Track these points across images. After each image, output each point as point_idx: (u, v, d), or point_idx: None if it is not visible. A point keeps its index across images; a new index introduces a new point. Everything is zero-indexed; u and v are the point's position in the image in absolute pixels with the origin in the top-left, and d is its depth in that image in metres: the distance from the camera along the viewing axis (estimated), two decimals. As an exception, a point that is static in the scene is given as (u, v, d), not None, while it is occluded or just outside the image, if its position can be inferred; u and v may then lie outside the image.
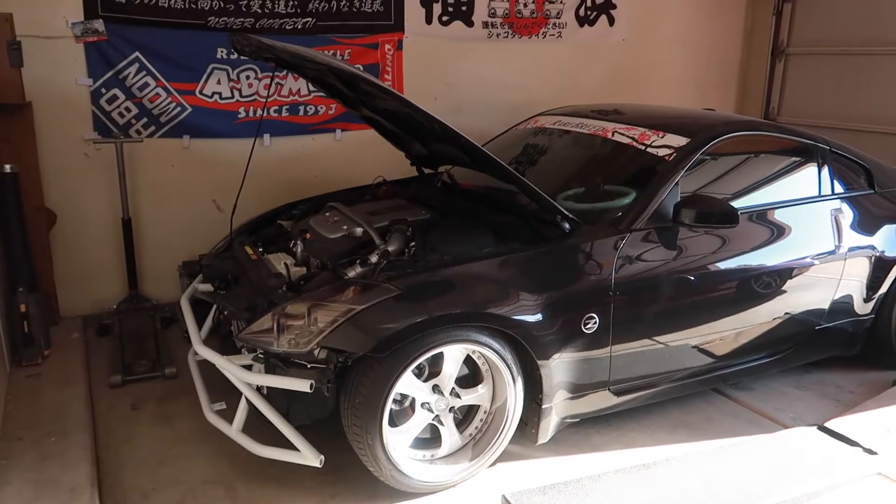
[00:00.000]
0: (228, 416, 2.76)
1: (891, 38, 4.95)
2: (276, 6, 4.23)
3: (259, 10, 4.20)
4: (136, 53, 4.02)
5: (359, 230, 3.03)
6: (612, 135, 3.40)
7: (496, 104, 4.95)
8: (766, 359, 3.37)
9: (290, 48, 2.79)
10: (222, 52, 4.20)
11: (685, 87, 5.84)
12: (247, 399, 2.63)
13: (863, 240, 3.46)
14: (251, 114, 4.34)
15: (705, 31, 5.85)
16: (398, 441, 2.59)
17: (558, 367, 2.73)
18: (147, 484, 2.69)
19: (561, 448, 2.96)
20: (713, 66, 5.99)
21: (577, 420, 2.93)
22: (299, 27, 4.33)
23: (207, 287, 3.20)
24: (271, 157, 4.48)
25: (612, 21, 5.40)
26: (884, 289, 3.52)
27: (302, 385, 2.42)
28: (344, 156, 4.67)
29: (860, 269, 3.47)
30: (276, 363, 2.52)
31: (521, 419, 2.80)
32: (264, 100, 4.28)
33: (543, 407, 2.76)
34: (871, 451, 2.90)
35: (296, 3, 4.26)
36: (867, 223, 3.49)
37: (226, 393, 2.96)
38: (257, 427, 2.65)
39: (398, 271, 2.67)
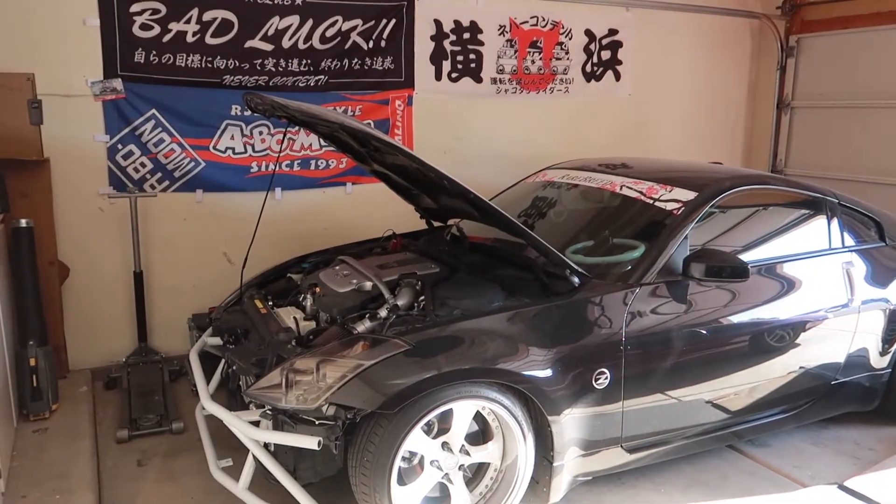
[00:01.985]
0: (235, 473, 2.73)
1: (886, 92, 5.01)
2: (290, 65, 4.35)
3: (273, 69, 4.31)
4: (153, 110, 4.12)
5: (368, 284, 3.04)
6: (621, 188, 3.42)
7: (505, 158, 5.02)
8: (781, 414, 3.30)
9: (303, 107, 2.85)
10: (236, 108, 4.30)
11: (692, 140, 5.90)
12: (254, 456, 2.60)
13: (876, 292, 3.44)
14: (263, 168, 4.41)
15: (711, 86, 5.94)
16: (407, 499, 2.54)
17: (570, 424, 2.69)
18: (151, 544, 2.64)
19: (573, 507, 2.89)
20: (720, 119, 6.07)
21: (590, 478, 2.87)
22: (312, 84, 4.43)
23: (217, 341, 3.20)
24: (283, 210, 4.53)
25: (618, 76, 5.51)
26: (900, 343, 3.48)
27: (310, 442, 2.39)
28: (354, 209, 4.72)
29: (875, 323, 3.43)
30: (284, 419, 2.49)
31: (532, 477, 2.75)
32: (276, 155, 4.36)
33: (555, 465, 2.70)
34: (893, 512, 2.82)
35: (309, 62, 4.38)
36: (880, 276, 3.47)
37: (233, 449, 2.92)
38: (264, 485, 2.61)
39: (407, 326, 2.67)
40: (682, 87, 5.82)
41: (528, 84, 5.16)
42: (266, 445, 2.59)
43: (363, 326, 2.80)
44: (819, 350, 3.30)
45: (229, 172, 4.36)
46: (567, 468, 2.75)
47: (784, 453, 3.36)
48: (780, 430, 3.39)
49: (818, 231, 3.45)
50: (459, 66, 4.91)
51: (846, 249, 3.44)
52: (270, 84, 4.33)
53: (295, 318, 3.00)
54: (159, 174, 4.22)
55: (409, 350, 2.47)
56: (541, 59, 5.15)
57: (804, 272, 3.30)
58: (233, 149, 4.36)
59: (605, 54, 5.41)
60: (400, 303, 2.89)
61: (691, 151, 5.77)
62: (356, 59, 4.53)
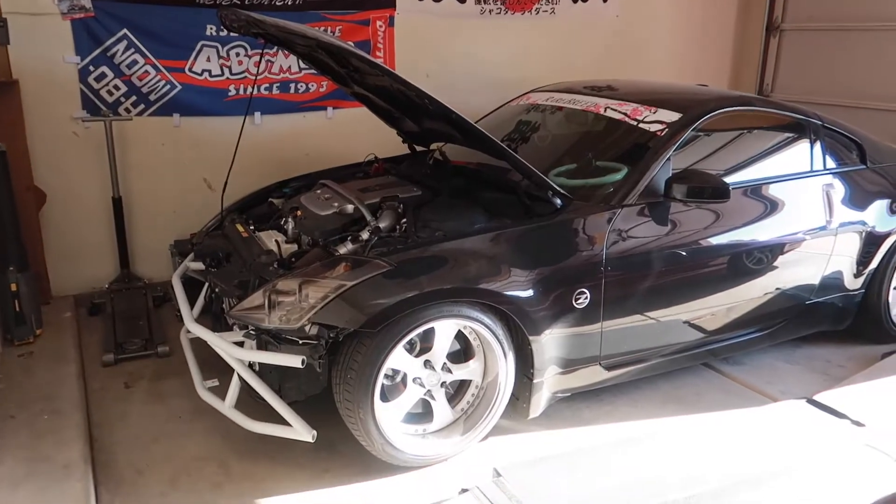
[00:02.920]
0: (221, 392, 2.77)
1: (886, 14, 4.92)
2: (266, -18, 4.18)
3: (248, -14, 4.15)
4: (124, 30, 3.97)
5: (350, 207, 3.02)
6: (605, 111, 3.38)
7: (489, 81, 4.92)
8: (756, 333, 3.39)
9: (280, 23, 2.76)
10: (211, 28, 4.15)
11: (679, 63, 5.81)
12: (239, 376, 2.64)
13: (854, 215, 3.47)
14: (241, 91, 4.31)
15: (699, 7, 5.81)
16: (390, 416, 2.60)
17: (549, 343, 2.74)
18: (141, 461, 2.70)
19: (552, 423, 2.98)
20: (707, 42, 5.96)
21: (568, 395, 2.95)
22: (289, 3, 4.28)
23: (199, 265, 3.19)
24: (262, 135, 4.45)
25: (605, -3, 5.35)
26: (874, 264, 3.54)
27: (293, 361, 2.43)
28: (335, 133, 4.65)
29: (851, 245, 3.48)
30: (268, 339, 2.52)
31: (512, 394, 2.82)
32: (254, 77, 4.24)
33: (535, 382, 2.77)
34: (858, 423, 2.93)
35: (285, -22, 4.22)
36: (858, 199, 3.50)
37: (219, 370, 2.97)
38: (250, 403, 2.66)
39: (389, 247, 2.67)
40: (669, 9, 5.68)
41: (513, 4, 5.01)
42: (251, 365, 2.63)
43: (345, 248, 2.80)
44: (796, 272, 3.36)
45: (206, 96, 4.26)
46: (546, 385, 2.82)
47: (757, 371, 3.46)
48: (754, 349, 3.49)
49: (801, 153, 3.45)
50: (443, -15, 4.74)
51: (827, 172, 3.45)
52: (246, 3, 4.17)
53: (277, 241, 3.00)
54: (134, 97, 4.11)
55: (390, 270, 2.49)
56: (527, -23, 4.99)
57: (785, 194, 3.32)
58: (209, 71, 4.24)
59: (594, -27, 5.25)
60: (382, 225, 2.88)
61: (678, 74, 5.69)
62: (335, -24, 4.36)
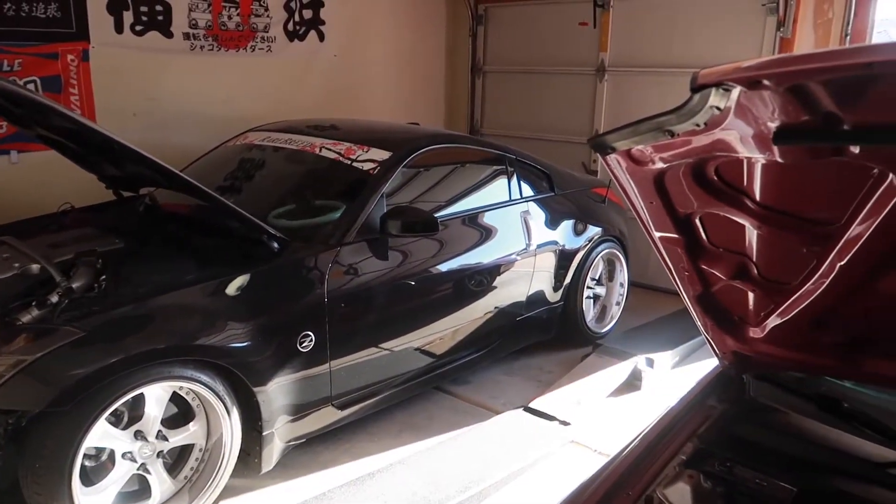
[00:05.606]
0: None
1: (561, 59, 5.71)
2: (-86, 6, 3.54)
3: None
4: None
5: (35, 267, 2.64)
6: (320, 150, 3.42)
7: (205, 120, 4.70)
8: (479, 352, 3.65)
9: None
10: None
11: (396, 102, 6.12)
12: None
13: (548, 236, 3.93)
14: None
15: (411, 50, 6.19)
16: (96, 502, 2.30)
17: (276, 392, 2.66)
18: None
19: (289, 472, 2.89)
20: (421, 82, 6.37)
21: (303, 440, 2.89)
22: (-51, 32, 3.67)
23: None
24: (-78, 186, 3.73)
25: (322, 37, 5.45)
26: (568, 278, 4.04)
27: (-38, 459, 2.03)
28: (23, 181, 4.05)
29: (548, 263, 3.93)
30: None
31: (242, 449, 2.67)
32: None
33: (265, 434, 2.66)
34: (565, 423, 3.30)
35: (-59, 3, 3.61)
36: (550, 221, 3.98)
37: None
38: None
39: (84, 310, 2.38)
40: (386, 51, 5.97)
41: (226, 41, 4.87)
42: None
43: (28, 316, 2.42)
44: (507, 291, 3.70)
45: None
46: (278, 435, 2.73)
47: (482, 387, 3.73)
48: (478, 367, 3.75)
49: (500, 184, 3.82)
50: (144, 18, 4.43)
51: (523, 200, 3.87)
52: None
53: (-64, 315, 2.51)
54: None
55: (83, 337, 2.22)
56: (238, 14, 4.88)
57: (491, 222, 3.65)
58: None
59: (308, 13, 5.31)
60: (75, 285, 2.55)
61: (397, 113, 5.99)
62: (9, 4, 3.84)
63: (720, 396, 1.91)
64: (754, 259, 1.58)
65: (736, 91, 0.99)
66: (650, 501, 1.58)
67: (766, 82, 0.94)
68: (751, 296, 1.72)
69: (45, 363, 2.13)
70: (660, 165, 1.34)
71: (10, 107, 2.90)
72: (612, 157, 1.37)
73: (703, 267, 1.67)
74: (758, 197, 1.35)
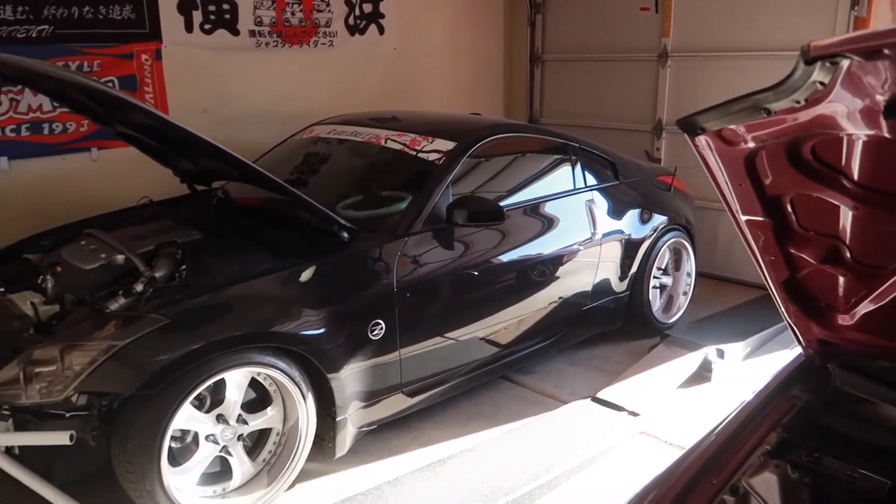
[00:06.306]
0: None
1: (621, 46, 5.62)
2: (2, 12, 3.72)
3: (-21, 17, 3.67)
4: None
5: (120, 258, 2.76)
6: (385, 142, 3.46)
7: (271, 115, 4.81)
8: (544, 342, 3.63)
9: (11, 60, 2.46)
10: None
11: (455, 93, 6.13)
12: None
13: (613, 225, 3.88)
14: (-21, 135, 3.78)
15: (469, 40, 6.19)
16: (183, 481, 2.40)
17: (349, 378, 2.71)
18: None
19: (361, 458, 2.94)
20: (479, 73, 6.36)
21: (375, 427, 2.94)
22: (34, 35, 3.85)
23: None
24: (13, 183, 3.93)
25: (381, 30, 5.50)
26: (634, 268, 3.98)
27: (60, 438, 2.15)
28: (103, 177, 4.24)
29: (614, 252, 3.88)
30: (27, 417, 2.21)
31: (317, 435, 2.74)
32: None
33: (338, 420, 2.72)
34: (634, 413, 3.26)
35: (27, 9, 3.78)
36: (615, 210, 3.92)
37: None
38: (16, 496, 2.30)
39: (167, 299, 2.48)
40: (444, 43, 5.99)
41: (290, 37, 4.96)
42: (9, 450, 2.28)
43: (116, 304, 2.54)
44: (573, 281, 3.67)
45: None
46: (351, 421, 2.79)
47: (547, 377, 3.71)
48: (543, 357, 3.74)
49: (564, 173, 3.79)
50: (212, 17, 4.56)
51: (587, 189, 3.83)
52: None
53: (32, 303, 2.64)
54: None
55: (168, 324, 2.31)
56: (301, 10, 4.97)
57: (556, 211, 3.62)
58: (-65, 113, 3.67)
59: (367, 7, 5.37)
60: (157, 275, 2.66)
61: (456, 104, 5.99)
62: (88, 7, 4.00)
63: (804, 386, 1.85)
64: (847, 242, 1.53)
65: (845, 64, 0.96)
66: (735, 490, 1.56)
67: (886, 51, 0.90)
68: (841, 280, 1.67)
69: (134, 348, 2.23)
70: (752, 146, 1.31)
71: (94, 105, 3.04)
72: (700, 139, 1.35)
73: (792, 251, 1.62)
74: (856, 176, 1.30)
